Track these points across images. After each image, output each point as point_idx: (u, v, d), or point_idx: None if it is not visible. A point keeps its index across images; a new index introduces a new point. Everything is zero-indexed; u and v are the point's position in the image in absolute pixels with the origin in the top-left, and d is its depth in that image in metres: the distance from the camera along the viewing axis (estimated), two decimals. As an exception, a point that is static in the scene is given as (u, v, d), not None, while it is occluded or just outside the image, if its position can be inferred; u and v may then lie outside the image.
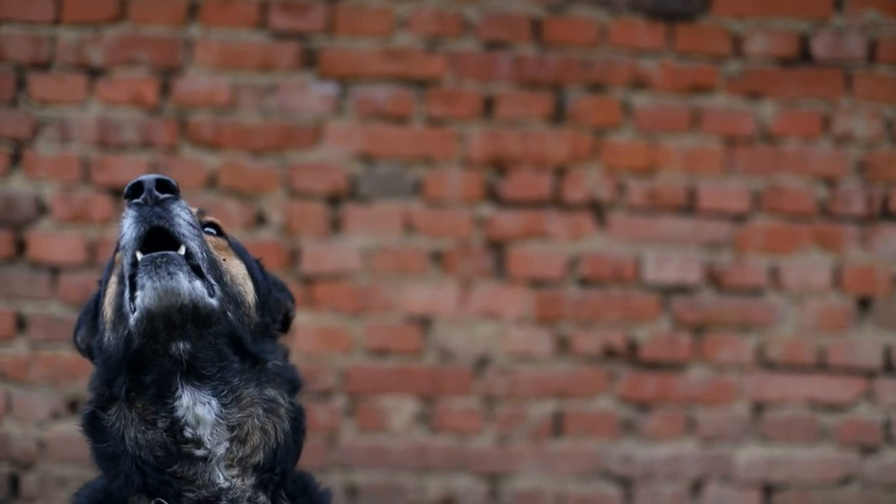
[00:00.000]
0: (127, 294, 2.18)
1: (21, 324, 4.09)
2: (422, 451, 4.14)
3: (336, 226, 4.18)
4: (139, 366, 2.20)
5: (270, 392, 2.29)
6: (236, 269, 2.34)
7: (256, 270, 2.45)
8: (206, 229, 2.36)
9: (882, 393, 4.26)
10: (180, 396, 2.20)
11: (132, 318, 2.15)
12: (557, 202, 4.23)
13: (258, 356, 2.30)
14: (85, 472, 2.49)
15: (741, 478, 4.21)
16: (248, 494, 2.22)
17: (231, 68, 4.17)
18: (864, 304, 4.27)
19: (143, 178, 2.17)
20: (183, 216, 2.18)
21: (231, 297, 2.26)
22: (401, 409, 4.15)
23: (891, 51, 4.30)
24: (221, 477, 2.21)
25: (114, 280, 2.29)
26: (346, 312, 4.16)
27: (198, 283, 2.16)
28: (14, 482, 4.05)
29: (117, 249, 2.27)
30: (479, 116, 4.23)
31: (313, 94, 4.19)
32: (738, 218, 4.27)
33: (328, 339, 4.15)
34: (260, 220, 4.16)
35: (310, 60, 4.19)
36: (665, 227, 4.24)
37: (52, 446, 4.05)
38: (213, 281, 2.20)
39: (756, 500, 4.20)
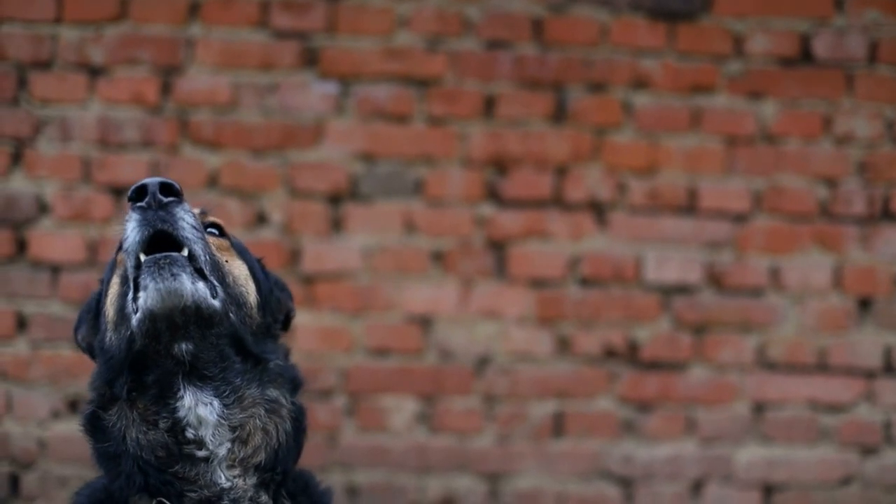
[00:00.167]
0: (130, 295, 2.18)
1: (21, 323, 4.09)
2: (422, 451, 4.15)
3: (337, 225, 4.18)
4: (141, 366, 2.20)
5: (272, 392, 2.29)
6: (238, 270, 2.34)
7: (258, 270, 2.45)
8: (209, 230, 2.36)
9: (882, 393, 4.26)
10: (182, 397, 2.20)
11: (134, 319, 2.16)
12: (558, 202, 4.23)
13: (260, 356, 2.30)
14: (85, 471, 2.49)
15: (741, 478, 4.21)
16: (249, 494, 2.22)
17: (232, 67, 4.17)
18: (865, 304, 4.27)
19: (147, 181, 2.17)
20: (186, 220, 2.18)
21: (233, 297, 2.26)
22: (401, 409, 4.15)
23: (892, 51, 4.30)
24: (223, 477, 2.21)
25: (116, 280, 2.29)
26: (346, 312, 4.16)
27: (201, 285, 2.16)
28: (14, 481, 4.05)
29: (119, 250, 2.27)
30: (480, 116, 4.23)
31: (314, 94, 4.19)
32: (739, 218, 4.27)
33: (329, 338, 4.15)
34: (260, 219, 4.16)
35: (311, 60, 4.19)
36: (666, 226, 4.24)
37: (53, 446, 4.05)
38: (215, 282, 2.20)
39: (756, 501, 4.21)
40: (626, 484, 4.19)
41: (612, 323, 4.21)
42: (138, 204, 2.17)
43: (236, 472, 2.22)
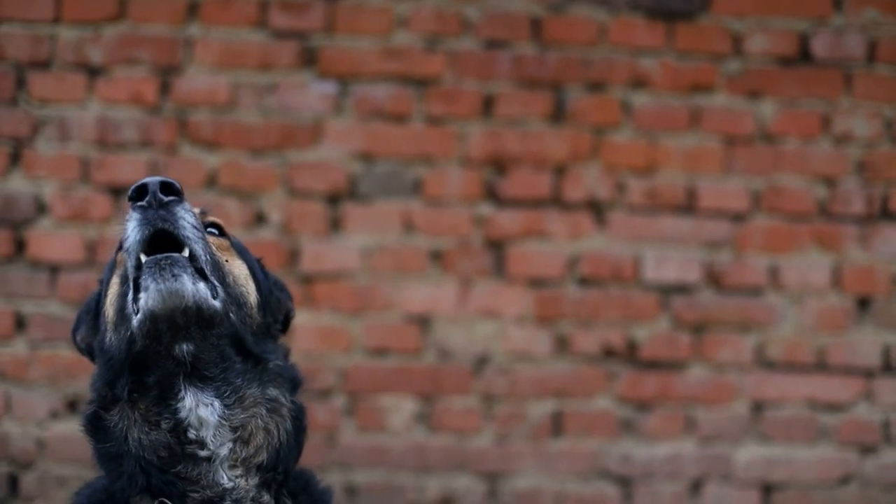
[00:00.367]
0: (130, 295, 2.17)
1: (20, 323, 4.09)
2: (421, 451, 4.14)
3: (335, 225, 4.18)
4: (142, 367, 2.20)
5: (273, 392, 2.29)
6: (238, 270, 2.34)
7: (258, 270, 2.45)
8: (209, 230, 2.35)
9: (881, 393, 4.26)
10: (183, 398, 2.19)
11: (135, 320, 2.15)
12: (557, 201, 4.23)
13: (260, 356, 2.30)
14: (85, 471, 2.49)
15: (740, 477, 4.21)
16: (251, 494, 2.22)
17: (231, 67, 4.17)
18: (864, 303, 4.28)
19: (147, 180, 2.17)
20: (187, 219, 2.18)
21: (234, 298, 2.26)
22: (400, 409, 4.15)
23: (890, 50, 4.30)
24: (225, 477, 2.21)
25: (116, 281, 2.28)
26: (345, 312, 4.16)
27: (201, 285, 2.15)
28: (13, 482, 4.05)
29: (119, 249, 2.27)
30: (479, 115, 4.23)
31: (313, 93, 4.19)
32: (738, 217, 4.27)
33: (328, 338, 4.15)
34: (259, 219, 4.16)
35: (309, 59, 4.19)
36: (665, 226, 4.25)
37: (52, 446, 4.05)
38: (216, 283, 2.20)
39: (755, 500, 4.21)
40: (625, 483, 4.19)
41: (610, 322, 4.21)
42: (139, 203, 2.16)
43: (238, 471, 2.22)
